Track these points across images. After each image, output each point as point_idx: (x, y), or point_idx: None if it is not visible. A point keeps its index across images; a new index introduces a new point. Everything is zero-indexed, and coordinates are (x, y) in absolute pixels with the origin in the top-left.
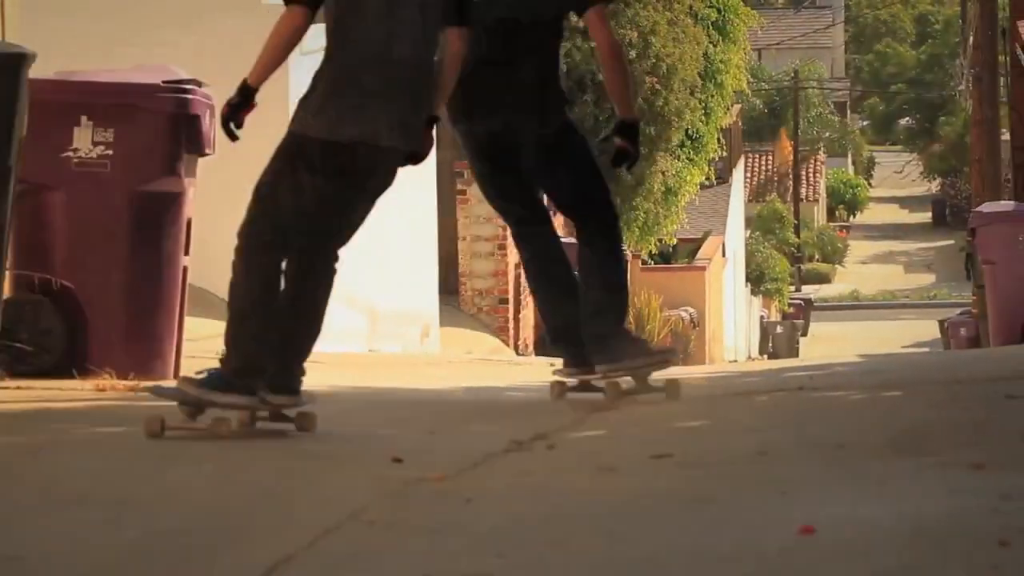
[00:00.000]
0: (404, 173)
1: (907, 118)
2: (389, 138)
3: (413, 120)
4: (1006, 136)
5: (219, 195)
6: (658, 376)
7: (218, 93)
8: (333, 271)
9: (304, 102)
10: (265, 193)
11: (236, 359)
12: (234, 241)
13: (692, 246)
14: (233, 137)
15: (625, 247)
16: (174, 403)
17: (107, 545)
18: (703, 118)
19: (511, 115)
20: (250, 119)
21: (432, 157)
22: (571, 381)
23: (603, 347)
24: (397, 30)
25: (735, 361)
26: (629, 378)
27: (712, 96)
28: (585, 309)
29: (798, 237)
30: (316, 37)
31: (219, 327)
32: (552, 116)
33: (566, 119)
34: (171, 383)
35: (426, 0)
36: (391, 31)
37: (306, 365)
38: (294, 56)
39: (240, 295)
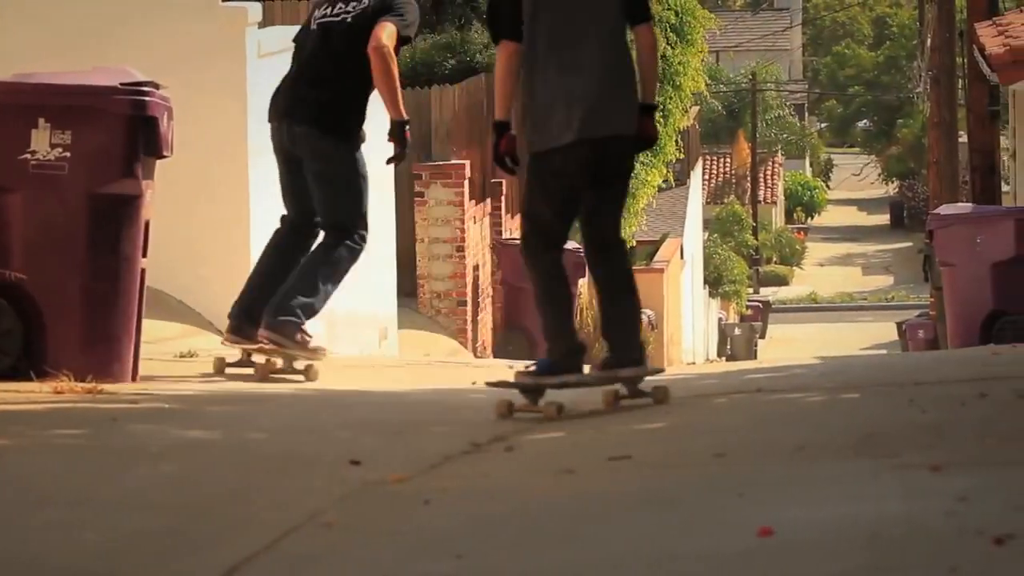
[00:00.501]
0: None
1: (865, 120)
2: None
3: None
4: (964, 138)
5: (177, 197)
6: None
7: (175, 95)
8: (621, 246)
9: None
10: (526, 211)
11: (557, 346)
12: (191, 242)
13: (650, 248)
14: (512, 171)
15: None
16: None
17: (67, 547)
18: (661, 120)
19: None
20: (206, 121)
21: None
22: None
23: None
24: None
25: (693, 363)
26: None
27: (670, 98)
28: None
29: (756, 239)
30: (273, 40)
31: (177, 329)
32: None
33: None
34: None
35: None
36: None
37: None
38: (252, 59)
39: (543, 295)
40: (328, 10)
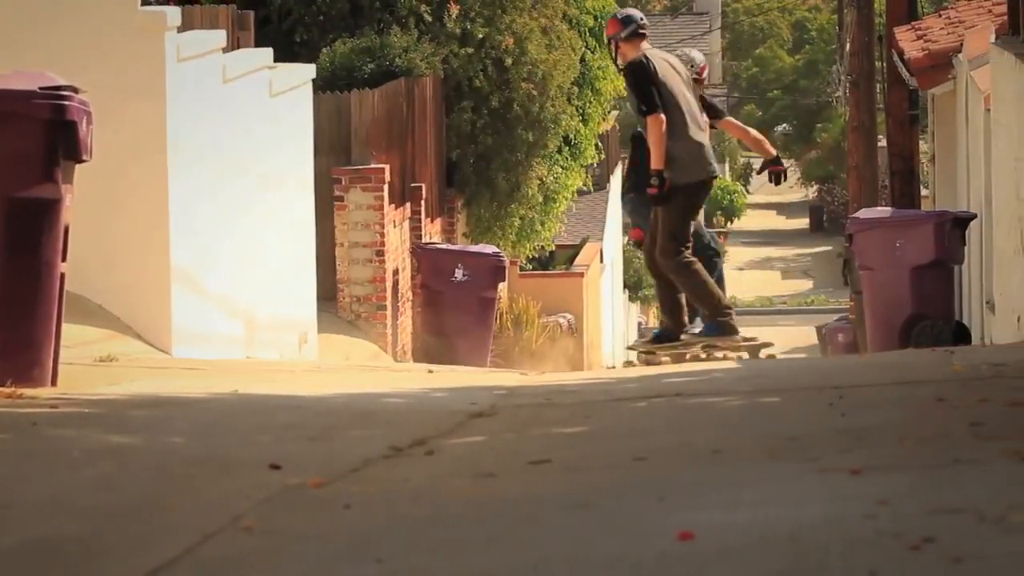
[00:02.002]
0: (280, 180)
1: (784, 124)
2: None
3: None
4: (883, 142)
5: (97, 201)
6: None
7: (94, 99)
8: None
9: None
10: (672, 230)
11: (718, 311)
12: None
13: (570, 252)
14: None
15: (503, 253)
16: None
17: None
18: (580, 124)
19: None
20: (126, 125)
21: (309, 162)
22: None
23: None
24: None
25: (613, 367)
26: None
27: (590, 102)
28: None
29: None
30: (192, 45)
31: (97, 333)
32: None
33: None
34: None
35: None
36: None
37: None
38: (171, 63)
39: (693, 281)
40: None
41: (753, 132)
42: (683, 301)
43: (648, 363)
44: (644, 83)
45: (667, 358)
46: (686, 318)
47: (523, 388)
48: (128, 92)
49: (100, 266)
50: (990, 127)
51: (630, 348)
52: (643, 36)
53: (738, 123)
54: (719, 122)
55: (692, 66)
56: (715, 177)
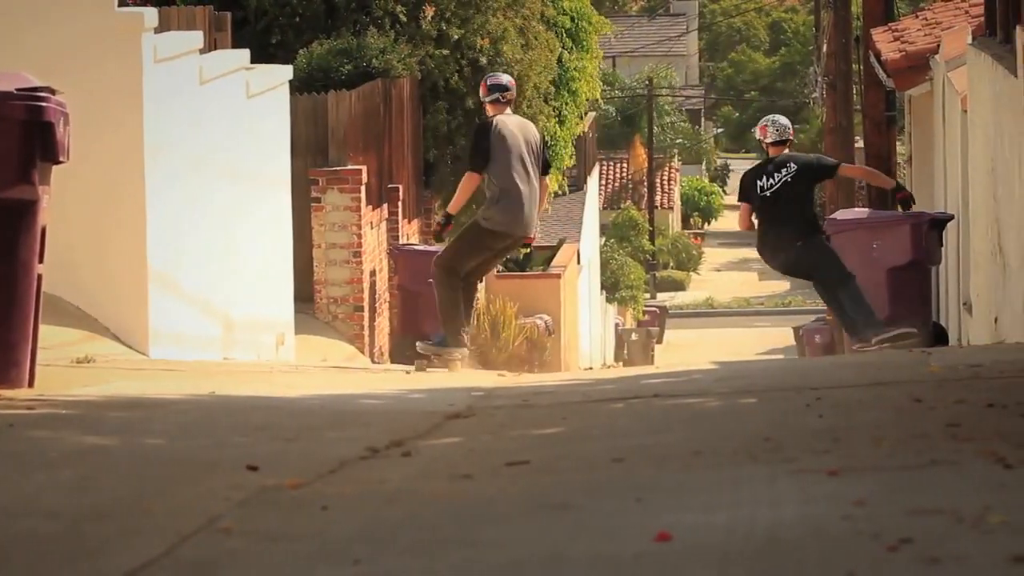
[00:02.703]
0: (257, 181)
1: None
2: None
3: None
4: (860, 143)
5: (74, 203)
6: None
7: (71, 100)
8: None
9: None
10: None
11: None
12: (88, 248)
13: (547, 254)
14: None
15: None
16: None
17: None
18: (557, 125)
19: None
20: (102, 127)
21: (286, 163)
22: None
23: None
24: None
25: (590, 368)
26: None
27: (566, 104)
28: None
29: (653, 244)
30: (168, 46)
31: (74, 334)
32: None
33: None
34: None
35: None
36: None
37: (168, 371)
38: (149, 64)
39: (441, 298)
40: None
41: (867, 170)
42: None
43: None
44: (480, 141)
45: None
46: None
47: (500, 389)
48: (105, 93)
49: (77, 267)
50: (967, 128)
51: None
52: (502, 103)
53: (854, 167)
54: (841, 169)
55: (780, 129)
56: (525, 238)
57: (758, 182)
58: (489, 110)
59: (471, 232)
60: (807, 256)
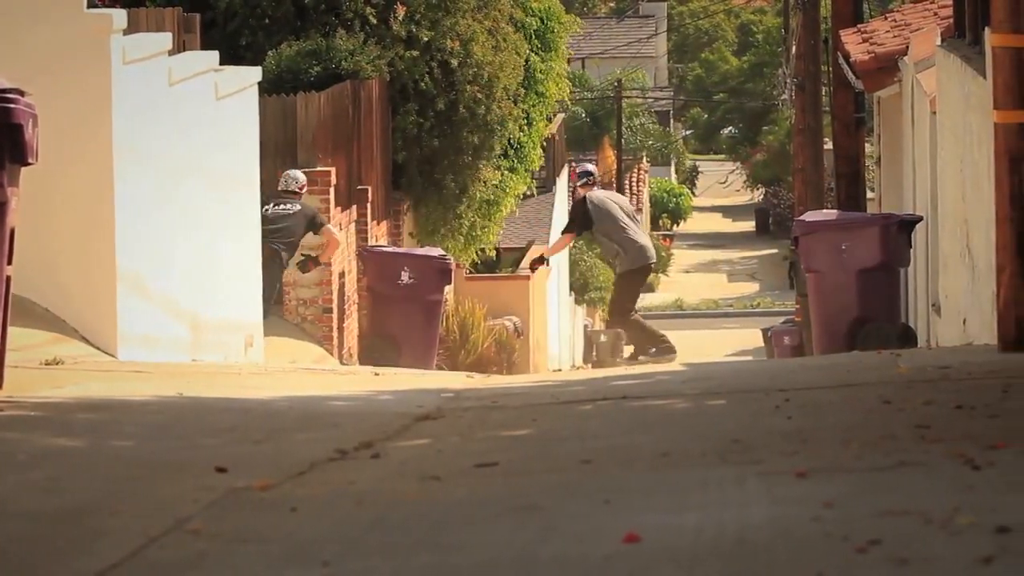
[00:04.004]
0: (226, 182)
1: (730, 127)
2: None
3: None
4: (829, 145)
5: (42, 205)
6: None
7: (40, 102)
8: None
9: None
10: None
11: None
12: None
13: (516, 255)
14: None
15: (449, 256)
16: None
17: None
18: (525, 127)
19: None
20: (71, 128)
21: (255, 165)
22: None
23: None
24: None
25: (559, 370)
26: None
27: (534, 105)
28: None
29: None
30: (138, 47)
31: (43, 336)
32: None
33: None
34: None
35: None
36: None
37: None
38: (117, 65)
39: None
40: None
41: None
42: None
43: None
44: (580, 212)
45: None
46: None
47: (469, 391)
48: (74, 94)
49: (46, 269)
50: (936, 130)
51: None
52: (590, 184)
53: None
54: None
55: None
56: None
57: None
58: (580, 191)
59: (622, 283)
60: None
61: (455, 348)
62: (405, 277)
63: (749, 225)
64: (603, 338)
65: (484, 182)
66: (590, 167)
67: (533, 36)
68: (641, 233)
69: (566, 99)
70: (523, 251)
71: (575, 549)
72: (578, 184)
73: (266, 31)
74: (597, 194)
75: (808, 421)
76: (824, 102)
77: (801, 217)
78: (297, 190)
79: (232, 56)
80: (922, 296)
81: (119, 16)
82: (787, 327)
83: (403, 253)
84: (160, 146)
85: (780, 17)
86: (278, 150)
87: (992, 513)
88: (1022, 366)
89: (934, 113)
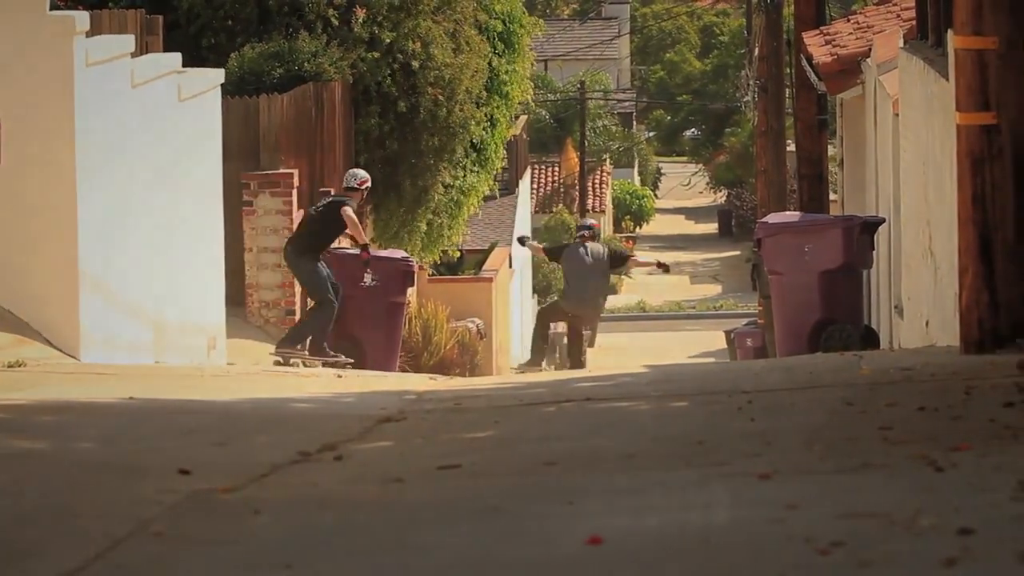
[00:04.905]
0: (189, 184)
1: (693, 129)
2: None
3: None
4: (792, 146)
5: (5, 206)
6: None
7: (2, 102)
8: None
9: None
10: None
11: None
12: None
13: (479, 257)
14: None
15: (412, 258)
16: None
17: None
18: (488, 129)
19: None
20: (34, 130)
21: (218, 167)
22: None
23: None
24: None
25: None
26: None
27: (497, 107)
28: None
29: None
30: (100, 49)
31: (5, 338)
32: None
33: None
34: None
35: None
36: None
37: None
38: (80, 67)
39: None
40: None
41: None
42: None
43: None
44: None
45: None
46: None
47: (432, 393)
48: (37, 96)
49: (9, 271)
50: (899, 131)
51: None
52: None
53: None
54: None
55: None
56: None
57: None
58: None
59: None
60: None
61: (418, 350)
62: (368, 279)
63: (712, 227)
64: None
65: (444, 185)
66: (590, 221)
67: (496, 38)
68: (581, 288)
69: (529, 101)
70: (486, 253)
71: (538, 551)
72: (576, 235)
73: (229, 33)
74: (582, 244)
75: (771, 423)
76: (787, 104)
77: (764, 219)
78: (356, 185)
79: (195, 58)
80: (885, 298)
81: (82, 18)
82: (750, 329)
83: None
84: (123, 148)
85: (743, 19)
86: (241, 152)
87: (955, 515)
88: (984, 368)
89: (896, 115)
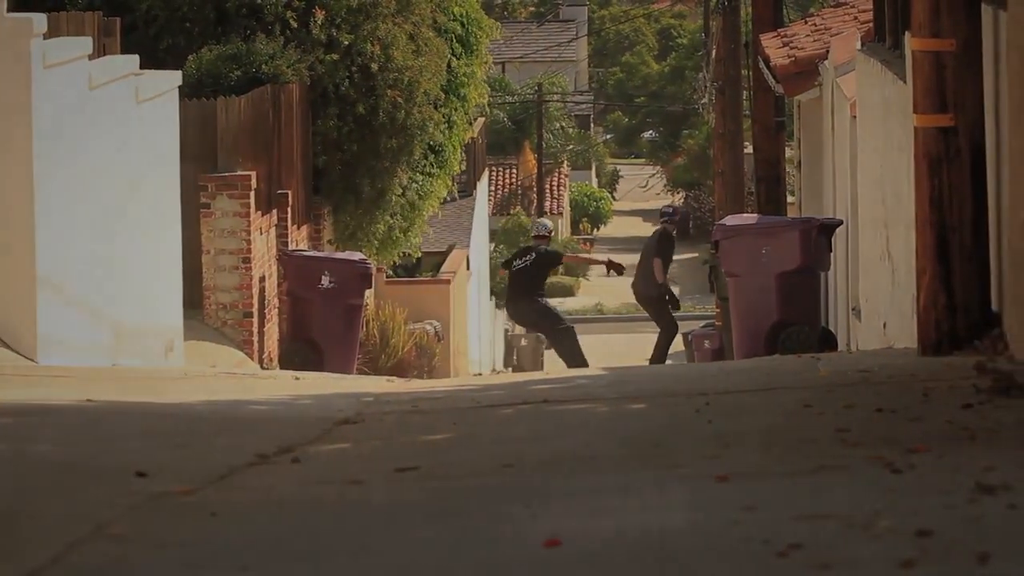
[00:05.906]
0: (147, 187)
1: (650, 131)
2: None
3: None
4: (749, 149)
5: None
6: None
7: None
8: None
9: None
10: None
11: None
12: None
13: (436, 259)
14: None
15: (369, 260)
16: None
17: None
18: (446, 131)
19: None
20: None
21: (176, 169)
22: None
23: None
24: None
25: (480, 374)
26: None
27: (455, 109)
28: None
29: None
30: (58, 51)
31: None
32: None
33: None
34: None
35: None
36: None
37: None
38: (38, 69)
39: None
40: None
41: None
42: None
43: None
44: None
45: None
46: None
47: (390, 395)
48: None
49: None
50: (856, 134)
51: None
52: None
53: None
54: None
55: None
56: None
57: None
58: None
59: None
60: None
61: (375, 352)
62: (326, 281)
63: None
64: (524, 342)
65: (402, 187)
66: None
67: (455, 40)
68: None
69: (485, 104)
70: (444, 255)
71: (496, 554)
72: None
73: (186, 35)
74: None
75: (729, 425)
76: (744, 106)
77: (722, 221)
78: (545, 234)
79: (152, 60)
80: (842, 300)
81: (39, 20)
82: (707, 331)
83: (323, 257)
84: (80, 150)
85: (701, 21)
86: (198, 154)
87: (913, 516)
88: (942, 369)
89: (854, 117)
